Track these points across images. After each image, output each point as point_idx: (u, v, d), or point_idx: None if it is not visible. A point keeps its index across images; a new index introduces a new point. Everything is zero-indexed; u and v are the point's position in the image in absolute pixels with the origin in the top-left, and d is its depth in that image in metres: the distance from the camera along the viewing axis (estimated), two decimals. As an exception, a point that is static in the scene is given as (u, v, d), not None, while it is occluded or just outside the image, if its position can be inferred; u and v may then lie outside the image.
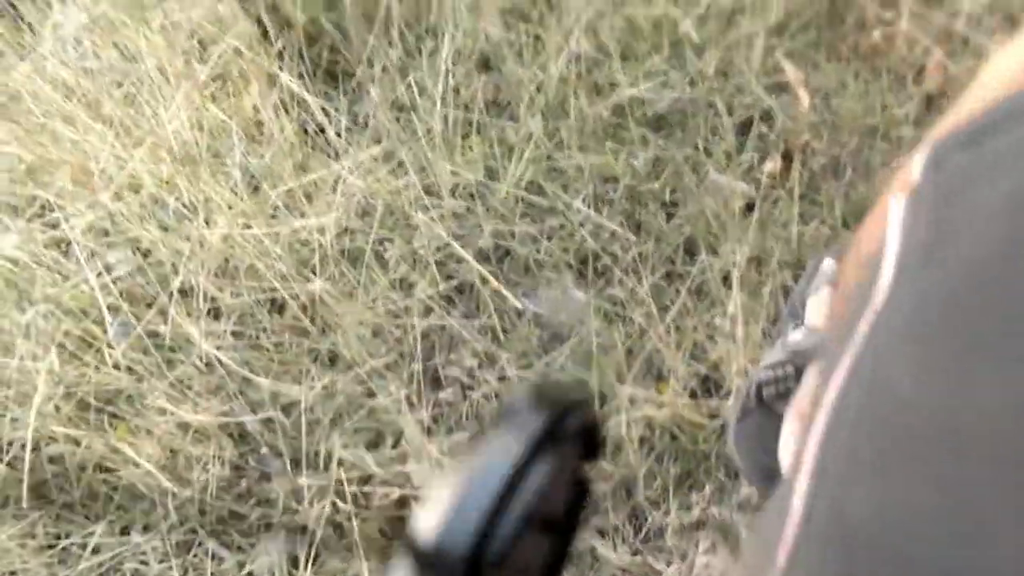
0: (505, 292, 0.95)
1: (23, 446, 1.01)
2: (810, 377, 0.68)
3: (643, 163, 1.03)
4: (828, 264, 0.78)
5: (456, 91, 1.14)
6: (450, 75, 1.13)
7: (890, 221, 0.26)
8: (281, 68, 1.19)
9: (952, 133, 0.26)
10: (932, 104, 1.01)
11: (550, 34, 1.15)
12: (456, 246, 0.97)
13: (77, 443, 1.03)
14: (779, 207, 1.00)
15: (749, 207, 1.01)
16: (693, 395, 0.91)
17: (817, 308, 0.72)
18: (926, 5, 1.02)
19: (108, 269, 1.14)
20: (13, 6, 1.39)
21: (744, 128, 1.06)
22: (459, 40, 1.15)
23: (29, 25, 1.33)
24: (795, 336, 0.68)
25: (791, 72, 1.05)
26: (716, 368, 0.91)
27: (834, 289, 0.72)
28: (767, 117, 1.05)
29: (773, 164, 1.01)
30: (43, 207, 1.18)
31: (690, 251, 1.00)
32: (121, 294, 1.08)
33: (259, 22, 1.23)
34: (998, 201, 0.23)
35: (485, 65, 1.19)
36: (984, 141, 0.25)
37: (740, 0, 1.09)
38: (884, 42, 1.03)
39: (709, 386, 0.92)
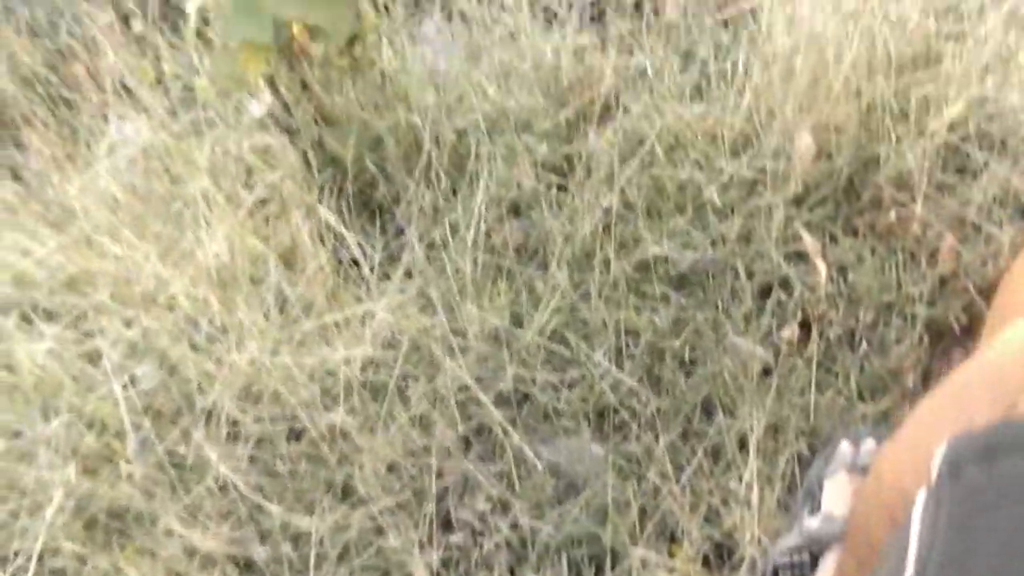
0: (523, 447, 0.97)
1: (29, 557, 1.01)
2: (827, 564, 0.68)
3: (664, 320, 1.07)
4: (844, 447, 0.80)
5: (488, 235, 1.19)
6: (483, 219, 1.18)
7: (912, 517, 0.29)
8: (321, 200, 1.25)
9: (971, 439, 0.29)
10: (946, 286, 1.05)
11: (579, 188, 1.21)
12: (479, 391, 0.99)
13: (82, 560, 1.02)
14: (796, 374, 1.02)
15: (766, 371, 1.04)
16: (706, 561, 0.91)
17: (834, 493, 0.74)
18: (939, 191, 1.08)
19: (134, 381, 1.16)
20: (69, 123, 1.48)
21: (763, 293, 1.10)
22: (493, 189, 1.21)
23: (87, 142, 1.41)
24: (812, 523, 0.69)
25: (809, 243, 1.10)
26: (730, 535, 0.91)
27: (851, 475, 0.74)
28: (786, 285, 1.09)
29: (790, 331, 1.05)
30: (78, 317, 1.21)
31: (707, 411, 1.02)
32: (145, 409, 1.10)
33: (304, 155, 1.30)
34: (1012, 525, 0.25)
35: (516, 211, 1.25)
36: (1000, 460, 0.28)
37: (761, 171, 1.16)
38: (899, 222, 1.08)
39: (723, 552, 0.92)
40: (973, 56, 1.08)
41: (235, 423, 1.08)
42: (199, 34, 1.28)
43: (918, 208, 1.06)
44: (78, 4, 1.59)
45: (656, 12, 1.41)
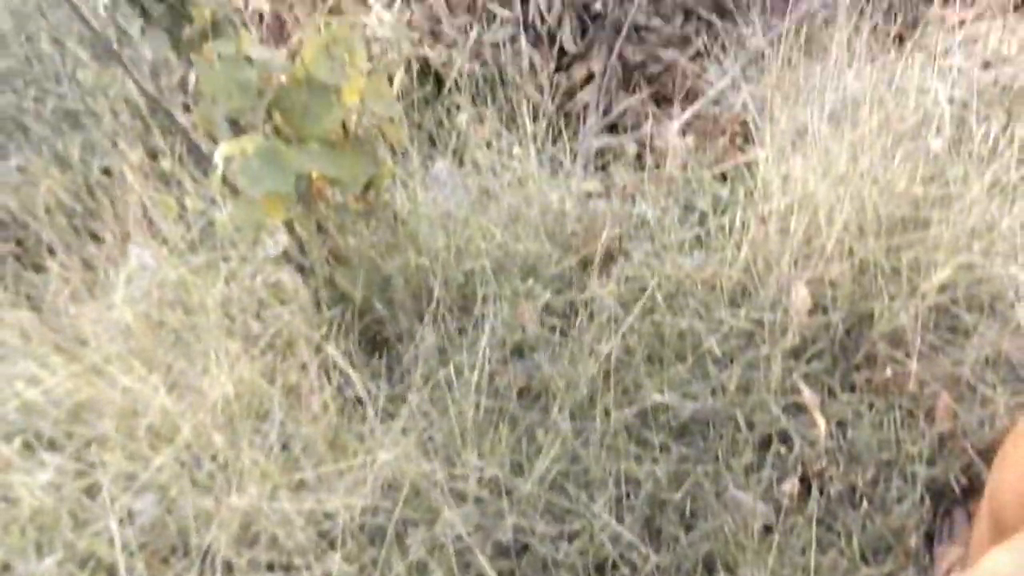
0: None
1: None
2: None
3: (665, 471, 1.07)
4: (848, 621, 0.79)
5: (491, 377, 1.21)
6: (487, 361, 1.21)
7: None
8: (328, 337, 1.27)
9: None
10: (945, 445, 1.06)
11: (582, 333, 1.24)
12: (476, 545, 0.99)
13: None
14: (797, 532, 1.01)
15: (767, 528, 1.03)
16: None
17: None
18: (932, 350, 1.11)
19: (131, 516, 1.15)
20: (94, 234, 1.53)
21: (763, 444, 1.11)
22: (498, 331, 1.24)
23: (106, 271, 1.45)
24: None
25: (808, 395, 1.12)
26: None
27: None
28: (785, 437, 1.10)
29: (791, 486, 1.05)
30: (80, 448, 1.22)
31: (708, 567, 1.01)
32: (140, 547, 1.09)
33: (315, 293, 1.34)
34: None
35: (520, 353, 1.27)
36: None
37: (759, 323, 1.19)
38: (895, 379, 1.10)
39: None
40: (959, 222, 1.13)
41: (230, 567, 1.07)
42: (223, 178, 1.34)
43: (913, 366, 1.08)
44: (110, 140, 1.68)
45: (657, 165, 1.49)
